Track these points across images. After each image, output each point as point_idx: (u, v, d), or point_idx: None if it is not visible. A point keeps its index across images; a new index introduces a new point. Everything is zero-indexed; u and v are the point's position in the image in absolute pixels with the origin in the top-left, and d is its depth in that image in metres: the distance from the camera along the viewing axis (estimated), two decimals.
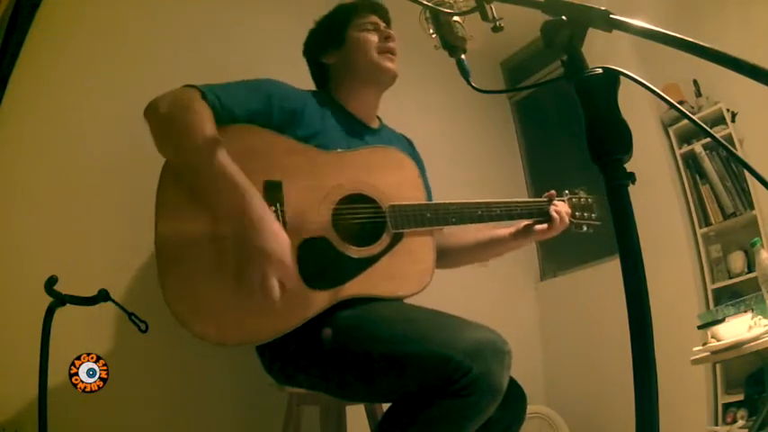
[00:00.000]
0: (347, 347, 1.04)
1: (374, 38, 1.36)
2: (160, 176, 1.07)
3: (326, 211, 1.13)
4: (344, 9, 1.41)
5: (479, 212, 1.29)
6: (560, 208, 1.39)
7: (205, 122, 1.05)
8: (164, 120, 1.08)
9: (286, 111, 1.19)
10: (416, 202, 1.23)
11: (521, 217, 1.38)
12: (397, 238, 1.18)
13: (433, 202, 1.26)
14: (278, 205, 1.09)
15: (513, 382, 1.06)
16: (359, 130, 1.34)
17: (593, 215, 1.48)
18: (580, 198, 1.48)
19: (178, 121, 1.05)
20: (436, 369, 0.92)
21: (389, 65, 1.35)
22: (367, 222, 1.17)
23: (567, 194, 1.47)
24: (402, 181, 1.25)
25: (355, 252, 1.13)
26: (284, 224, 1.07)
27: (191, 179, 1.03)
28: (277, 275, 0.95)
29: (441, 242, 1.39)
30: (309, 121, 1.22)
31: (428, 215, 1.22)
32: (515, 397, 1.12)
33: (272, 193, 1.09)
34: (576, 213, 1.44)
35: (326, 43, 1.39)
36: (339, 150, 1.21)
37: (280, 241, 0.97)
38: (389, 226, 1.17)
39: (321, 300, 1.07)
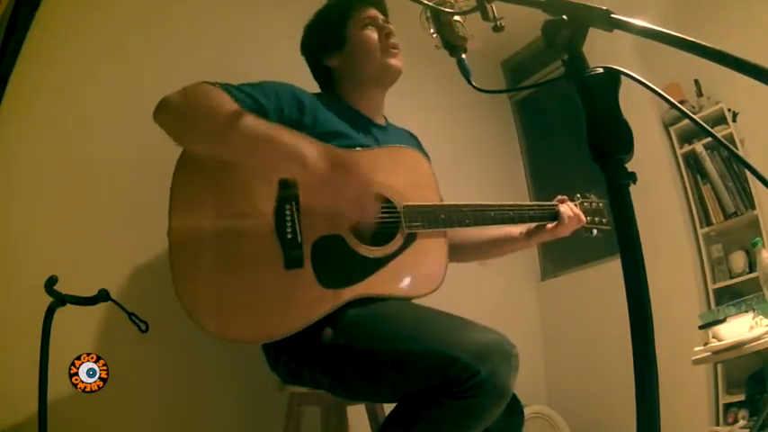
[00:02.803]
0: (351, 345, 1.04)
1: (375, 36, 1.32)
2: (175, 170, 1.05)
3: None
4: (340, 3, 1.37)
5: (492, 214, 1.29)
6: (572, 208, 1.40)
7: (227, 102, 1.04)
8: (186, 110, 1.05)
9: (295, 108, 1.18)
10: (431, 203, 1.22)
11: (533, 220, 1.38)
12: (410, 239, 1.18)
13: (447, 203, 1.26)
14: (293, 203, 1.07)
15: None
16: (370, 129, 1.34)
17: (603, 219, 1.49)
18: (591, 202, 1.48)
19: (203, 107, 1.04)
20: (442, 369, 0.91)
21: (395, 62, 1.33)
22: (381, 222, 1.17)
23: (578, 198, 1.47)
24: (417, 181, 1.24)
25: (369, 251, 1.13)
26: (299, 222, 1.07)
27: (233, 155, 1.02)
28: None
29: (452, 236, 1.37)
30: (319, 120, 1.21)
31: (442, 216, 1.22)
32: (513, 409, 1.10)
33: (287, 190, 1.08)
34: (588, 217, 1.44)
35: (326, 44, 1.36)
36: (355, 149, 1.20)
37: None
38: (403, 226, 1.17)
39: (333, 298, 1.07)
